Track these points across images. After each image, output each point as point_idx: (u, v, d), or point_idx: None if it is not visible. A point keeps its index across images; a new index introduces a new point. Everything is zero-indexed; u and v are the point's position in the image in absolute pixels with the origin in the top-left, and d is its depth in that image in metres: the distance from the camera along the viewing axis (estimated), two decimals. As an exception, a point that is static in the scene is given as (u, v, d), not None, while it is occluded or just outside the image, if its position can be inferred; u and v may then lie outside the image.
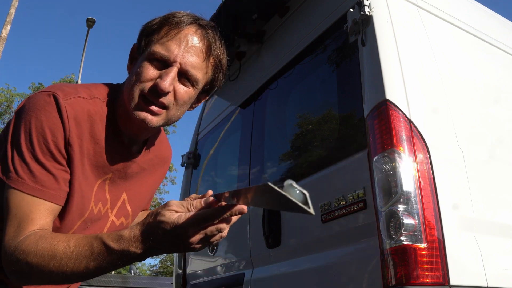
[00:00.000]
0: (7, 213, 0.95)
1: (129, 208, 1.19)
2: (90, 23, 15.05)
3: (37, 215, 0.95)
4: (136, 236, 0.87)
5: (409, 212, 1.58)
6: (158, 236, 0.86)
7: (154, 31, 1.04)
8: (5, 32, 10.05)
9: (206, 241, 0.88)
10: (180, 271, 3.31)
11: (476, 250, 1.68)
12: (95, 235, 0.91)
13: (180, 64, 1.02)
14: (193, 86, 1.06)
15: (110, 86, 1.13)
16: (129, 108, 1.04)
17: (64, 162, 1.00)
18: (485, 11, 2.77)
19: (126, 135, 1.11)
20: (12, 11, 10.32)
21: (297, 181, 2.53)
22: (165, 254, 36.04)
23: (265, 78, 2.78)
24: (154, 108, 1.03)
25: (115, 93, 1.11)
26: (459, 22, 2.33)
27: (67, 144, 0.99)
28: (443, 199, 1.65)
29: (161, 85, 1.00)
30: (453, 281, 1.55)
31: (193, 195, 0.97)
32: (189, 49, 1.02)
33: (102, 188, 1.11)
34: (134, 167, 1.16)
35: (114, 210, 1.16)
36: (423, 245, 1.55)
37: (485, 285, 1.63)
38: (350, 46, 2.05)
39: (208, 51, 1.06)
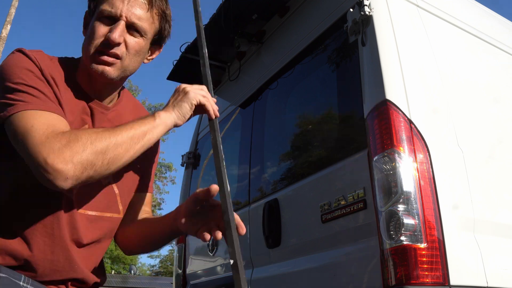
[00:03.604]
0: (23, 137, 0.96)
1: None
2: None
3: (59, 122, 1.01)
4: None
5: (409, 212, 1.58)
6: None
7: None
8: (5, 32, 10.04)
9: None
10: (180, 271, 3.31)
11: (476, 250, 1.68)
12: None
13: (126, 17, 1.12)
14: (142, 36, 1.16)
15: (64, 57, 1.22)
16: (88, 65, 1.13)
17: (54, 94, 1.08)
18: (485, 11, 2.77)
19: (91, 95, 1.19)
20: (12, 11, 10.32)
21: (297, 181, 2.51)
22: (165, 254, 35.87)
23: (265, 78, 2.78)
24: (108, 58, 1.12)
25: (72, 61, 1.21)
26: (459, 22, 2.33)
27: (47, 82, 1.08)
28: (443, 199, 1.65)
29: (111, 37, 1.10)
30: (453, 281, 1.55)
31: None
32: (133, 3, 1.13)
33: None
34: (106, 122, 1.21)
35: None
36: (423, 245, 1.55)
37: (485, 285, 1.63)
38: (350, 46, 2.05)
39: (150, 3, 1.16)
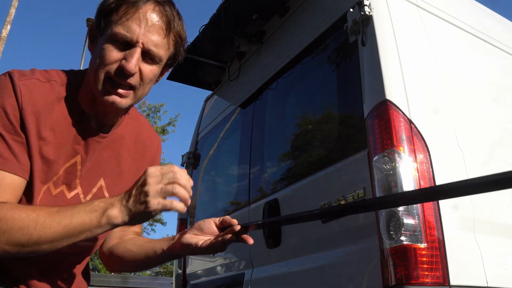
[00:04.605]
0: None
1: (107, 195, 1.19)
2: (90, 23, 15.04)
3: (2, 189, 0.95)
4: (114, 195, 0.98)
5: (409, 212, 1.58)
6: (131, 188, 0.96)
7: (112, 10, 1.04)
8: (5, 32, 10.05)
9: (162, 193, 0.94)
10: (180, 271, 3.31)
11: (476, 250, 1.68)
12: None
13: (143, 43, 1.02)
14: (156, 63, 1.08)
15: (70, 71, 1.15)
16: (96, 92, 1.05)
17: (24, 136, 1.01)
18: (485, 11, 2.77)
19: (92, 117, 1.12)
20: (12, 11, 10.32)
21: (297, 181, 2.51)
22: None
23: (265, 78, 2.78)
24: (122, 91, 1.04)
25: (76, 77, 1.12)
26: (459, 22, 2.33)
27: (22, 121, 1.00)
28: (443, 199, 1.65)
29: (128, 67, 1.01)
30: (453, 281, 1.55)
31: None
32: (150, 28, 1.03)
33: (71, 171, 1.11)
34: (104, 150, 1.16)
35: (89, 196, 1.15)
36: (423, 245, 1.55)
37: (485, 285, 1.63)
38: (350, 46, 2.05)
39: (168, 28, 1.06)
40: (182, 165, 3.73)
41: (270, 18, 2.88)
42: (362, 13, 1.93)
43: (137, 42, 1.02)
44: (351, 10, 2.00)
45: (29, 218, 0.91)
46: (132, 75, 1.03)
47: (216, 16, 2.91)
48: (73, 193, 1.12)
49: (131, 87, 1.06)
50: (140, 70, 1.05)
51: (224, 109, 3.29)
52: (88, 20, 15.12)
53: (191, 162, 3.59)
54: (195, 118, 4.02)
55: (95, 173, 1.16)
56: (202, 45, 3.17)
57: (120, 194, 1.19)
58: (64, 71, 1.13)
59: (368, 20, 1.93)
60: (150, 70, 1.06)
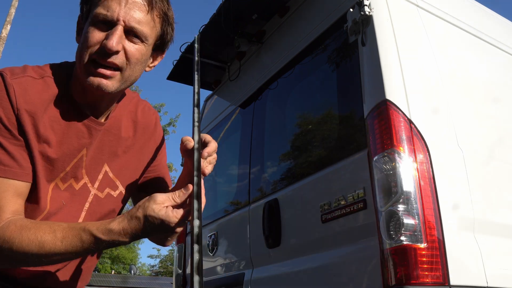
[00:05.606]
0: None
1: (116, 179, 1.18)
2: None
3: (5, 200, 0.96)
4: (125, 229, 0.93)
5: (409, 212, 1.58)
6: (147, 228, 0.93)
7: None
8: (5, 32, 10.05)
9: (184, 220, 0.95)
10: (180, 271, 3.31)
11: (476, 250, 1.68)
12: (83, 227, 0.93)
13: (124, 21, 0.99)
14: (142, 42, 1.04)
15: (61, 63, 1.12)
16: (82, 77, 1.02)
17: (22, 139, 0.99)
18: (485, 11, 2.77)
19: (87, 107, 1.09)
20: (12, 11, 10.32)
21: (297, 181, 2.51)
22: (165, 254, 35.86)
23: (265, 78, 2.78)
24: (106, 71, 1.01)
25: (67, 69, 1.10)
26: (459, 22, 2.33)
27: (18, 122, 0.98)
28: (443, 199, 1.65)
29: (108, 44, 0.97)
30: (453, 281, 1.55)
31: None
32: (131, 5, 1.00)
33: (78, 165, 1.10)
34: (104, 136, 1.14)
35: (96, 183, 1.15)
36: (423, 245, 1.55)
37: (485, 285, 1.63)
38: (350, 46, 2.05)
39: (150, 4, 1.03)
40: (182, 165, 3.73)
41: (270, 18, 2.88)
42: (362, 13, 1.93)
43: (118, 20, 0.98)
44: (351, 10, 2.00)
45: (33, 244, 0.92)
46: (114, 52, 0.98)
47: (216, 16, 2.91)
48: (81, 184, 1.12)
49: (117, 68, 1.02)
50: (125, 49, 1.01)
51: (224, 109, 3.29)
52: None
53: (191, 162, 3.59)
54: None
55: (98, 160, 1.15)
56: (202, 45, 3.17)
57: (132, 176, 1.21)
58: (57, 64, 1.11)
59: (368, 20, 1.93)
60: (136, 48, 1.02)
